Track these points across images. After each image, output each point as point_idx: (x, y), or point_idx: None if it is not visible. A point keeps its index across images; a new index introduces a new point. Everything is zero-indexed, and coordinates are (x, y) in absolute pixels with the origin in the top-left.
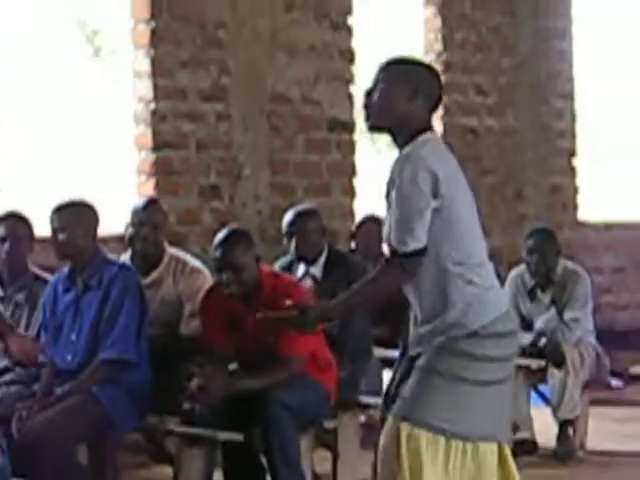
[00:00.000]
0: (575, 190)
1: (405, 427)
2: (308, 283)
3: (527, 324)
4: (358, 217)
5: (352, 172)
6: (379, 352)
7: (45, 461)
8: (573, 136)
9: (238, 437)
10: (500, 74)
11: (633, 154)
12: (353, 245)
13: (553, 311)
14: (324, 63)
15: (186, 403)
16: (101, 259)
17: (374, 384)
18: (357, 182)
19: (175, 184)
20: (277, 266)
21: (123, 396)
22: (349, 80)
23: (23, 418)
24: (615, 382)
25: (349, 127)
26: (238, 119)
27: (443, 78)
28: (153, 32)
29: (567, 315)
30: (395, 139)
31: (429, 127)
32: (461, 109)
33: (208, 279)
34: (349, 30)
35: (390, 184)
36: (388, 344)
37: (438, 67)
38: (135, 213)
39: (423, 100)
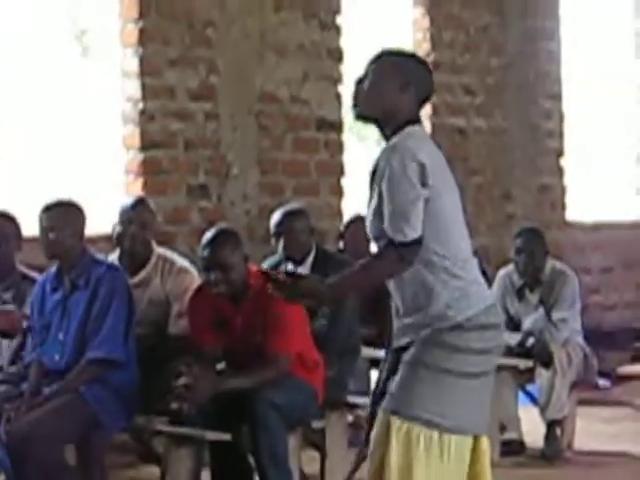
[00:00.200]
0: (563, 190)
1: (395, 421)
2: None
3: (515, 324)
4: (346, 217)
5: (340, 172)
6: (367, 352)
7: (33, 461)
8: (561, 136)
9: (226, 437)
10: (488, 74)
11: (620, 154)
12: (341, 245)
13: (541, 311)
14: (313, 63)
15: (174, 403)
16: (89, 259)
17: (362, 384)
18: (345, 182)
19: (163, 183)
20: (265, 266)
21: (111, 396)
22: (337, 80)
23: (11, 419)
24: (603, 382)
25: (337, 127)
26: (226, 118)
27: None
28: (141, 31)
29: (555, 315)
30: (382, 130)
31: (417, 120)
32: (449, 109)
33: (196, 279)
34: (338, 30)
35: (376, 175)
36: (376, 344)
37: None
38: (123, 211)
39: (413, 93)
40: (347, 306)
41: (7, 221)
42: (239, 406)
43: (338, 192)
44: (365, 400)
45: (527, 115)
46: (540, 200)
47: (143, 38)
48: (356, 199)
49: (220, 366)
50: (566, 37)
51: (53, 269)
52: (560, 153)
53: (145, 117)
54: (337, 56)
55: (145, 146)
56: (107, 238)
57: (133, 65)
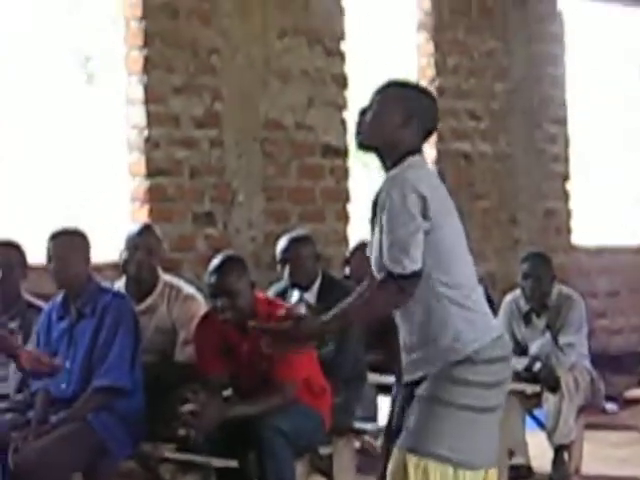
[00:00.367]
0: (569, 214)
1: (412, 459)
2: (302, 309)
3: (522, 349)
4: (352, 243)
5: (346, 198)
6: (374, 378)
7: None
8: (566, 161)
9: (233, 463)
10: (493, 99)
11: (626, 178)
12: (347, 271)
13: (548, 336)
14: (317, 89)
15: (181, 430)
16: (95, 287)
17: (369, 410)
18: (351, 208)
19: (169, 211)
20: (271, 292)
21: (118, 424)
22: (342, 106)
23: (19, 448)
24: (610, 406)
25: (342, 153)
26: (231, 145)
27: None
28: (146, 59)
29: (562, 340)
30: (383, 160)
31: (418, 151)
32: (454, 134)
33: (202, 306)
34: (342, 56)
35: (376, 207)
36: (383, 370)
37: None
38: (129, 238)
39: (416, 127)
40: (353, 333)
41: (12, 249)
42: (246, 433)
43: (344, 218)
44: (372, 426)
45: (532, 140)
46: (546, 224)
47: (148, 66)
48: (362, 225)
49: (226, 393)
50: (570, 62)
51: (59, 297)
52: (565, 177)
53: (150, 144)
54: (342, 82)
55: (150, 173)
56: (113, 266)
57: (138, 92)
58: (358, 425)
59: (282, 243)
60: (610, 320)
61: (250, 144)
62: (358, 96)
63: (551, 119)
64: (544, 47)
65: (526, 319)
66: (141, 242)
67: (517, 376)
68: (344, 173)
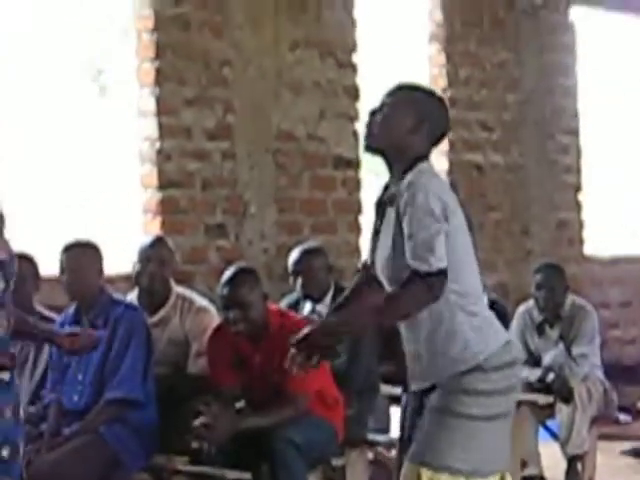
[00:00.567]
0: (581, 225)
1: (425, 472)
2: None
3: (535, 359)
4: (364, 254)
5: (358, 209)
6: (386, 389)
7: None
8: (578, 171)
9: (246, 476)
10: (505, 110)
11: (638, 188)
12: None
13: (561, 346)
14: (329, 100)
15: (194, 442)
16: (107, 299)
17: (382, 421)
18: (363, 219)
19: (181, 223)
20: (284, 304)
21: (131, 436)
22: (354, 117)
23: (32, 460)
24: (623, 417)
25: (354, 164)
26: (243, 157)
27: None
28: (158, 71)
29: (575, 350)
30: (389, 164)
31: (426, 157)
32: (466, 145)
33: (215, 318)
34: (354, 67)
35: (383, 209)
36: (395, 381)
37: None
38: (142, 250)
39: (426, 133)
40: (366, 344)
41: (25, 261)
42: (258, 445)
43: (356, 229)
44: (385, 437)
45: (544, 150)
46: (558, 235)
47: (160, 78)
48: None
49: (239, 405)
50: (582, 72)
51: (71, 309)
52: (578, 188)
53: (162, 156)
54: (353, 94)
55: (162, 185)
56: (126, 278)
57: (150, 105)
58: (371, 436)
59: (294, 255)
60: (623, 331)
61: (262, 156)
62: (370, 107)
63: (563, 130)
64: (556, 58)
65: (539, 330)
66: (153, 254)
67: (530, 387)
68: (356, 184)
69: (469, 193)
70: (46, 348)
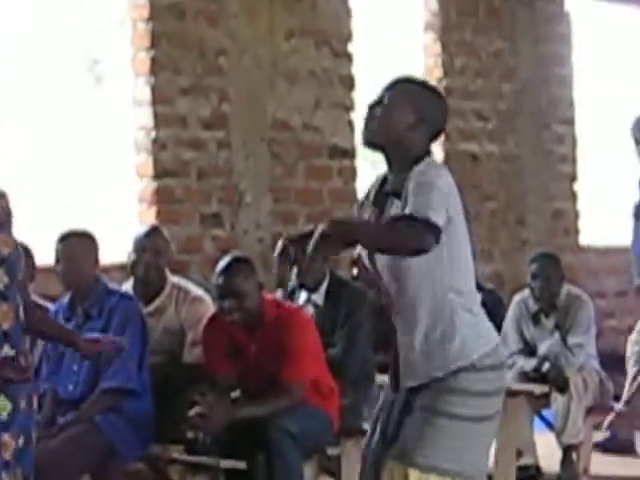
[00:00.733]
0: (577, 215)
1: (414, 473)
2: (310, 310)
3: (531, 349)
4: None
5: (353, 199)
6: (381, 378)
7: None
8: (574, 161)
9: (241, 465)
10: (500, 100)
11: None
12: (355, 272)
13: (557, 336)
14: (324, 90)
15: (189, 432)
16: (102, 288)
17: None
18: None
19: (176, 212)
20: (279, 294)
21: (126, 425)
22: (349, 107)
23: None
24: (618, 407)
25: (350, 154)
26: (239, 147)
27: None
28: (153, 60)
29: (571, 340)
30: (388, 159)
31: (428, 153)
32: (462, 135)
33: (210, 307)
34: (349, 57)
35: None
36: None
37: None
38: (137, 240)
39: (425, 129)
40: (361, 333)
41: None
42: (254, 434)
43: None
44: None
45: (540, 140)
46: (554, 225)
47: (155, 67)
48: None
49: (234, 394)
50: (578, 62)
51: (66, 299)
52: (573, 178)
53: (157, 146)
54: (349, 83)
55: (158, 175)
56: (121, 267)
57: (145, 94)
58: (366, 426)
59: None
60: (618, 320)
61: (257, 145)
62: (365, 97)
63: (559, 119)
64: (551, 47)
65: (535, 319)
66: (149, 244)
67: (526, 376)
68: (352, 174)
69: (464, 183)
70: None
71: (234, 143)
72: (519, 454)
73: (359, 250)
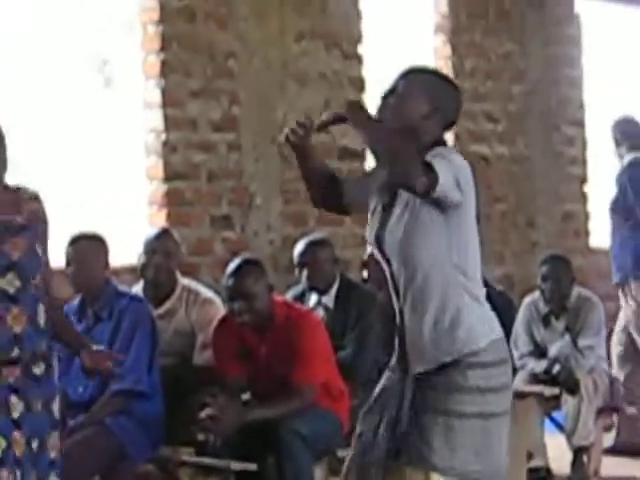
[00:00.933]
0: (587, 217)
1: (434, 476)
2: (320, 313)
3: (541, 351)
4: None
5: None
6: None
7: None
8: (584, 163)
9: (252, 467)
10: (510, 101)
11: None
12: (365, 274)
13: (567, 338)
14: (334, 92)
15: (199, 434)
16: (112, 291)
17: None
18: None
19: (186, 215)
20: (289, 296)
21: (136, 427)
22: None
23: None
24: (629, 409)
25: (360, 156)
26: (249, 149)
27: None
28: (163, 63)
29: (581, 342)
30: None
31: (440, 143)
32: (472, 136)
33: (220, 309)
34: (359, 59)
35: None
36: None
37: None
38: (147, 242)
39: (439, 119)
40: (371, 336)
41: None
42: (264, 436)
43: (361, 221)
44: None
45: (550, 142)
46: (564, 227)
47: (165, 69)
48: None
49: (245, 396)
50: (588, 64)
51: (76, 301)
52: (583, 180)
53: (168, 148)
54: (359, 85)
55: (168, 177)
56: (131, 269)
57: (155, 96)
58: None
59: (300, 246)
60: None
61: (268, 147)
62: (375, 99)
63: (569, 121)
64: (561, 49)
65: (545, 321)
66: (159, 246)
67: (536, 378)
68: None
69: (475, 184)
70: None
71: (244, 145)
72: (529, 456)
73: (370, 251)
